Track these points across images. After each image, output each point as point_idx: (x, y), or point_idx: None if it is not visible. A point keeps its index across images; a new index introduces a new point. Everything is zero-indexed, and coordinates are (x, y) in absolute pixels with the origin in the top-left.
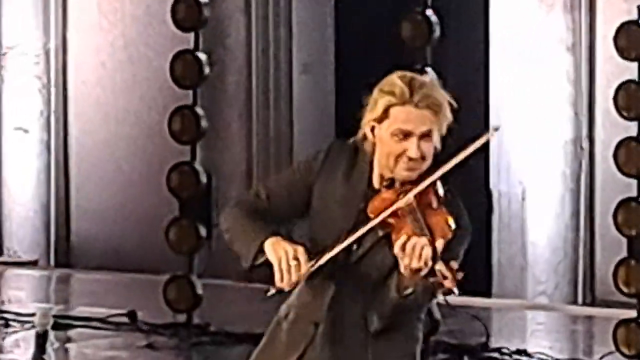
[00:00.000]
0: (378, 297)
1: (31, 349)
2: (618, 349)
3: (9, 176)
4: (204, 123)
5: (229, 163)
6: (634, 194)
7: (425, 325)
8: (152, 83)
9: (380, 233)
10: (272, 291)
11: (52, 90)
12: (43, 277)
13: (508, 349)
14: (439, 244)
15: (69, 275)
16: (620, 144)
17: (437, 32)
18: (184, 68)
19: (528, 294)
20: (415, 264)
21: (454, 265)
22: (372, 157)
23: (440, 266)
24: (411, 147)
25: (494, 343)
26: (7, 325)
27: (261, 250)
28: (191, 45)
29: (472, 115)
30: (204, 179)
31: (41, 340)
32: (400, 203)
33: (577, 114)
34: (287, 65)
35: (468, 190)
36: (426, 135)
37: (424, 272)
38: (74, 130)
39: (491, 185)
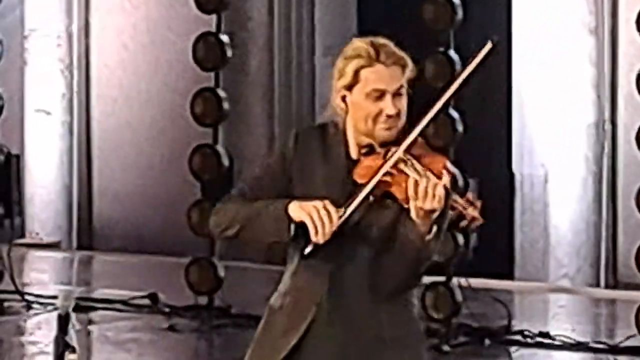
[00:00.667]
0: (386, 261)
1: (53, 331)
2: None
3: (32, 159)
4: (226, 105)
5: (251, 145)
6: None
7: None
8: (174, 65)
9: (371, 198)
10: (310, 248)
11: (75, 72)
12: (65, 259)
13: (530, 332)
14: (446, 180)
15: (91, 258)
16: None
17: (460, 15)
18: (206, 50)
19: (550, 277)
20: (429, 205)
21: (470, 195)
22: (344, 129)
23: (456, 199)
24: (387, 105)
25: (516, 326)
26: (29, 308)
27: (290, 219)
28: (213, 28)
29: (495, 97)
30: (226, 161)
31: (63, 322)
32: (395, 157)
33: (599, 96)
34: (309, 47)
35: (490, 173)
36: (398, 92)
37: (437, 213)
38: (96, 113)
39: (513, 168)
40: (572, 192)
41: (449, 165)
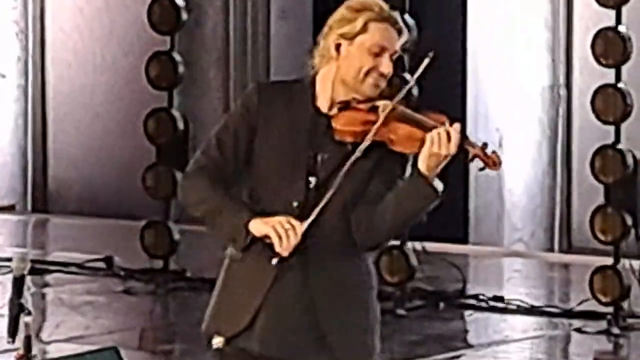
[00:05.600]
0: (368, 216)
1: (8, 293)
2: (594, 296)
3: None
4: (181, 69)
5: (207, 109)
6: (611, 141)
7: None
8: (129, 29)
9: (351, 149)
10: (275, 260)
11: (30, 35)
12: (20, 222)
13: (484, 296)
14: (457, 126)
15: (46, 220)
16: (597, 91)
17: None
18: (161, 14)
19: (505, 241)
20: (445, 151)
21: (479, 143)
22: (313, 83)
23: (472, 143)
24: (384, 63)
25: (470, 290)
26: None
27: (247, 232)
28: None
29: (450, 61)
30: (181, 125)
31: (18, 284)
32: (389, 108)
33: (554, 60)
34: (264, 10)
35: None
36: (393, 54)
37: (448, 159)
38: (51, 77)
39: (468, 132)
40: (527, 156)
41: (446, 121)
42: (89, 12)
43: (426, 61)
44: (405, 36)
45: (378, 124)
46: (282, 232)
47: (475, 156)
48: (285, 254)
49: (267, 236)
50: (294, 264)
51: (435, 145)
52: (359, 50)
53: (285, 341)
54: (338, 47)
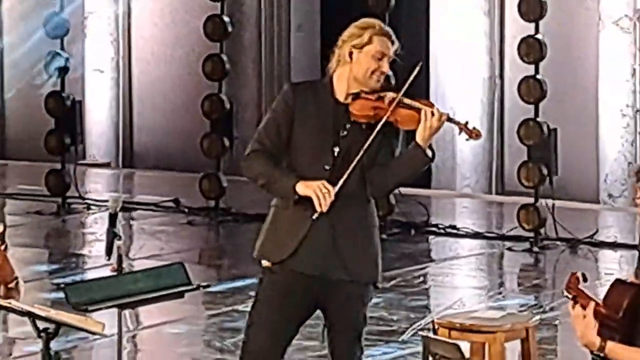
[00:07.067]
0: (388, 169)
1: (105, 225)
2: (520, 225)
3: (91, 103)
4: (227, 66)
5: (245, 95)
6: (532, 116)
7: (384, 208)
8: (190, 37)
9: (364, 127)
10: (316, 215)
11: (120, 42)
12: (114, 174)
13: (442, 225)
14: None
15: (132, 173)
16: (522, 81)
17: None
18: (213, 27)
19: (457, 186)
20: (436, 124)
21: (466, 124)
22: (331, 80)
23: (457, 120)
24: (384, 65)
25: (432, 221)
26: (89, 208)
27: (295, 193)
28: (218, 11)
29: (417, 60)
30: (227, 106)
31: (112, 218)
32: (390, 98)
33: (492, 59)
34: (286, 25)
35: None
36: (389, 60)
37: (438, 131)
38: (135, 71)
39: None
40: (472, 119)
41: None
42: (161, 25)
43: (417, 69)
44: (396, 45)
45: (390, 110)
46: (320, 194)
47: (461, 130)
48: (324, 209)
49: (308, 196)
50: (327, 215)
51: (428, 122)
52: (366, 56)
53: (317, 263)
54: (351, 54)
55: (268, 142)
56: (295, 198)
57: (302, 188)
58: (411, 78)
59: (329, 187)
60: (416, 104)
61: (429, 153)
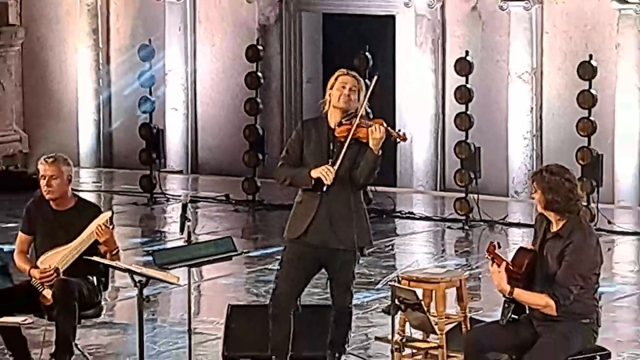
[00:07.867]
0: (358, 171)
1: (179, 211)
2: (456, 211)
3: (169, 131)
4: (260, 106)
5: (272, 125)
6: (463, 138)
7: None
8: (236, 87)
9: (347, 144)
10: (325, 187)
11: (189, 90)
12: (184, 178)
13: (404, 211)
14: (384, 125)
15: (197, 177)
16: (457, 115)
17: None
18: (251, 80)
19: (414, 185)
20: (379, 135)
21: (398, 132)
22: (327, 116)
23: (391, 131)
24: (346, 91)
25: (398, 209)
26: (168, 200)
27: (311, 178)
28: (254, 69)
29: (387, 89)
30: (260, 132)
31: (184, 207)
32: (356, 121)
33: (437, 101)
34: (299, 76)
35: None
36: (352, 89)
37: (382, 141)
38: (199, 110)
39: (395, 122)
40: (424, 141)
41: (383, 122)
42: (217, 79)
43: (374, 81)
44: (357, 80)
45: (352, 131)
46: (325, 172)
47: (395, 137)
48: (329, 182)
49: (319, 178)
50: (324, 201)
51: (375, 134)
52: (336, 89)
53: (320, 237)
54: (330, 93)
55: (289, 157)
56: (312, 181)
57: (314, 172)
58: (371, 88)
59: (330, 167)
60: (370, 123)
61: (379, 153)
